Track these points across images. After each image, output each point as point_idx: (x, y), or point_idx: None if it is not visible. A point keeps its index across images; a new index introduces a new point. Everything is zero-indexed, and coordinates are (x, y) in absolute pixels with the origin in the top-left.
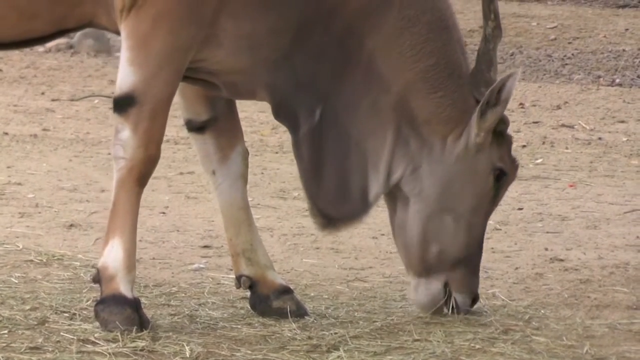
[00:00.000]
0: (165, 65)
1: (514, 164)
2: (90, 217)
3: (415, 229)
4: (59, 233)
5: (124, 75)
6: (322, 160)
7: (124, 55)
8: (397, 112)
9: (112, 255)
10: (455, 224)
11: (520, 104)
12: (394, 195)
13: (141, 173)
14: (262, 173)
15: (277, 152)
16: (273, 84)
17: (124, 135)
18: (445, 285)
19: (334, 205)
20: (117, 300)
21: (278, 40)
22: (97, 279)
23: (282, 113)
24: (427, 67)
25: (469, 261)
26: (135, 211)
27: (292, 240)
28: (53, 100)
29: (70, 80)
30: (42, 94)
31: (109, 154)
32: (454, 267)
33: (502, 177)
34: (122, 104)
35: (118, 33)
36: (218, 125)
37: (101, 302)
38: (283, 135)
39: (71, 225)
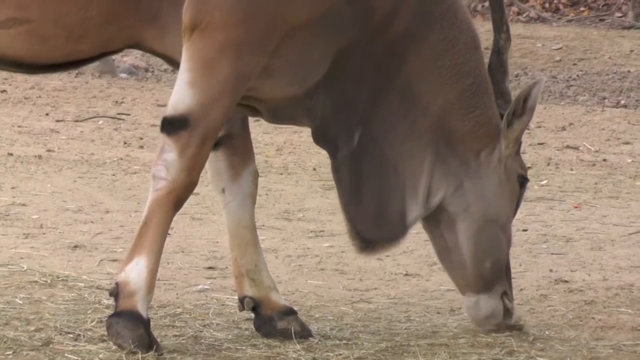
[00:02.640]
0: (227, 93)
1: (526, 170)
2: (94, 238)
3: (468, 246)
4: (63, 254)
5: (182, 96)
6: (361, 183)
7: (184, 75)
8: (435, 133)
9: (136, 272)
10: (501, 233)
11: None
12: (437, 219)
13: (179, 197)
14: (267, 194)
15: (281, 174)
16: (314, 109)
17: (169, 157)
18: (502, 295)
19: (373, 228)
20: (134, 317)
21: (324, 67)
22: (115, 292)
23: (322, 137)
24: (465, 87)
25: (508, 269)
26: (165, 233)
27: (296, 261)
28: (57, 121)
29: (74, 101)
30: (47, 114)
31: (114, 175)
32: (503, 276)
33: (525, 183)
34: (174, 125)
35: (166, 57)
36: (232, 143)
37: (116, 315)
38: (288, 157)
39: (76, 246)
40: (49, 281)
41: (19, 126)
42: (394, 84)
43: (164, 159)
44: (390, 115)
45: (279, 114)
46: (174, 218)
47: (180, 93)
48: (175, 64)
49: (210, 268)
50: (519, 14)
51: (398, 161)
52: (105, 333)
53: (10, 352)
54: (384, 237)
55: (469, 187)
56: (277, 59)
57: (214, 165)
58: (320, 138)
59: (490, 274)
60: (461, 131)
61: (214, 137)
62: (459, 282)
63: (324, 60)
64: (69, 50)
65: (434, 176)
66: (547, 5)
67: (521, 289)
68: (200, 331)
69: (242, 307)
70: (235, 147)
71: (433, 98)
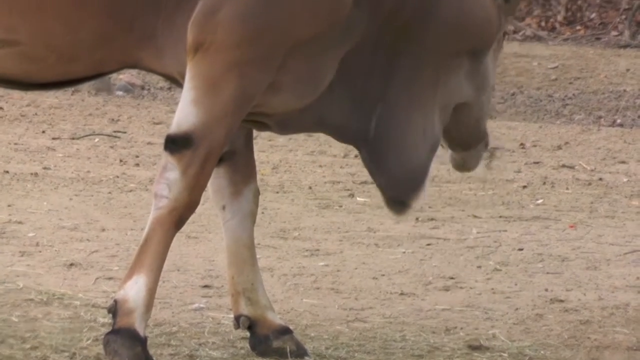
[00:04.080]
0: (231, 112)
1: None
2: (90, 256)
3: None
4: (59, 272)
5: (185, 114)
6: (390, 158)
7: (189, 94)
8: (439, 70)
9: (135, 290)
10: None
11: (521, 144)
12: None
13: (181, 216)
14: (263, 213)
15: (277, 192)
16: (327, 113)
17: (171, 176)
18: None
19: (406, 189)
20: (131, 335)
21: (334, 70)
22: (113, 310)
23: (345, 136)
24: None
25: None
26: (165, 252)
27: (292, 280)
28: (54, 138)
29: (71, 119)
30: (43, 132)
31: (110, 192)
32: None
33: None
34: (177, 143)
35: (166, 76)
36: (235, 160)
37: (114, 333)
38: (284, 176)
39: (72, 265)
40: (44, 299)
41: (15, 144)
42: (405, 54)
43: (166, 177)
44: (403, 82)
45: (289, 126)
46: None
47: (184, 111)
48: (175, 82)
49: (206, 287)
50: (515, 32)
51: (414, 118)
52: (101, 351)
53: None
54: (415, 191)
55: (478, 77)
56: (285, 75)
57: (215, 182)
58: (344, 138)
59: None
60: (464, 49)
61: (217, 156)
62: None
63: (334, 66)
64: (61, 71)
65: (444, 109)
66: (543, 23)
67: (517, 309)
68: (196, 350)
69: (237, 325)
70: (238, 164)
71: (437, 46)
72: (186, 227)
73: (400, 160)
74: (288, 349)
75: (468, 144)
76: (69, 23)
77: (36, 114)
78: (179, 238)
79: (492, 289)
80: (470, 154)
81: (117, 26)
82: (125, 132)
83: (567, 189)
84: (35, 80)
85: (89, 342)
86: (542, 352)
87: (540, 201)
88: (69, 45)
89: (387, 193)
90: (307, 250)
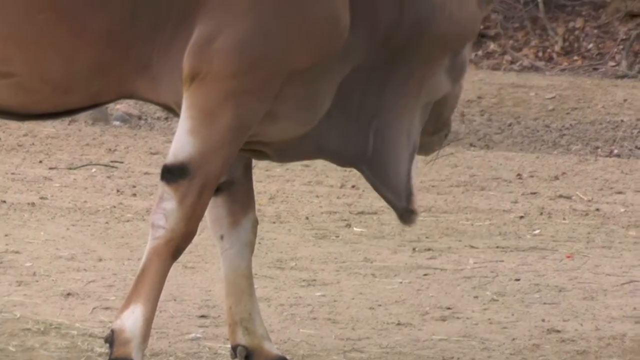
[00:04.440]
0: (228, 142)
1: None
2: (87, 286)
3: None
4: (56, 302)
5: (182, 143)
6: (389, 169)
7: (185, 123)
8: (423, 73)
9: (132, 320)
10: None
11: (518, 174)
12: None
13: (178, 247)
14: (260, 243)
15: (274, 222)
16: (324, 141)
17: (168, 206)
18: None
19: (408, 198)
20: None
21: (333, 93)
22: (110, 339)
23: (346, 160)
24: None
25: None
26: (162, 282)
27: (289, 310)
28: (51, 168)
29: (68, 149)
30: (40, 162)
31: (107, 222)
32: None
33: None
34: (174, 173)
35: (162, 105)
36: (233, 190)
37: None
38: (280, 206)
39: (69, 294)
40: (42, 329)
41: (12, 173)
42: (398, 69)
43: (163, 207)
44: (395, 93)
45: (288, 154)
46: None
47: (180, 141)
48: (172, 111)
49: (202, 316)
50: (512, 62)
51: (403, 124)
52: None
53: None
54: (412, 196)
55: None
56: (282, 103)
57: (213, 212)
58: (344, 161)
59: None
60: (451, 50)
61: (214, 186)
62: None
63: (332, 91)
64: (57, 102)
65: (425, 108)
66: (540, 54)
67: (513, 339)
68: None
69: (234, 355)
70: (236, 194)
71: (429, 57)
72: (183, 257)
73: (396, 169)
74: None
75: (438, 129)
76: (64, 54)
77: (33, 143)
78: (175, 268)
79: (489, 319)
80: (433, 139)
81: (113, 56)
82: (122, 162)
83: (564, 219)
84: (31, 111)
85: None
86: None
87: (537, 231)
88: (65, 76)
89: (398, 206)
90: (304, 281)
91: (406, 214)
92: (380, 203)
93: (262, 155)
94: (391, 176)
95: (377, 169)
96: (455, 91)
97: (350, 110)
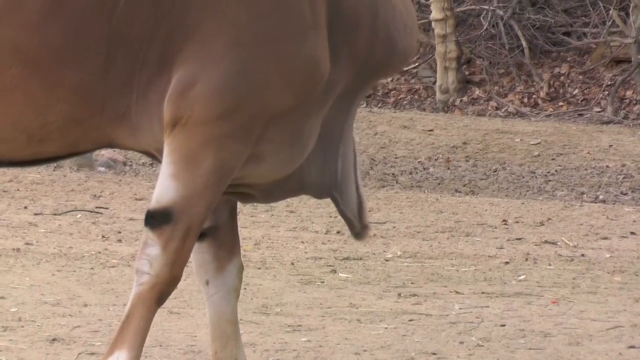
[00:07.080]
0: (211, 185)
1: None
2: (73, 331)
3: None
4: (41, 347)
5: (164, 188)
6: (350, 191)
7: (167, 168)
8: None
9: None
10: None
11: (504, 220)
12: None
13: (162, 292)
14: (245, 288)
15: (259, 268)
16: (305, 177)
17: (152, 252)
18: None
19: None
20: None
21: (316, 134)
22: None
23: (320, 193)
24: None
25: None
26: (147, 328)
27: (274, 355)
28: (36, 214)
29: (52, 195)
30: (25, 207)
31: (92, 268)
32: None
33: None
34: (157, 218)
35: (143, 152)
36: (218, 235)
37: None
38: (265, 252)
39: (54, 340)
40: None
41: None
42: (360, 93)
43: (147, 253)
44: (353, 116)
45: (273, 194)
46: None
47: (163, 186)
48: (154, 157)
49: None
50: (497, 108)
51: (350, 142)
52: None
53: None
54: (361, 202)
55: None
56: (266, 144)
57: (198, 257)
58: (322, 193)
59: None
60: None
61: (198, 230)
62: None
63: (318, 126)
64: (33, 151)
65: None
66: (525, 100)
67: None
68: None
69: None
70: (222, 239)
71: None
72: (168, 303)
73: (349, 183)
74: None
75: None
76: (37, 106)
77: (18, 189)
78: (160, 313)
79: None
80: None
81: (88, 109)
82: (107, 208)
83: (549, 265)
84: (7, 159)
85: None
86: None
87: (522, 277)
88: (39, 127)
89: (355, 225)
90: (289, 326)
91: (362, 231)
92: (365, 249)
93: (247, 198)
94: (350, 193)
95: (343, 191)
96: None
97: (324, 140)
